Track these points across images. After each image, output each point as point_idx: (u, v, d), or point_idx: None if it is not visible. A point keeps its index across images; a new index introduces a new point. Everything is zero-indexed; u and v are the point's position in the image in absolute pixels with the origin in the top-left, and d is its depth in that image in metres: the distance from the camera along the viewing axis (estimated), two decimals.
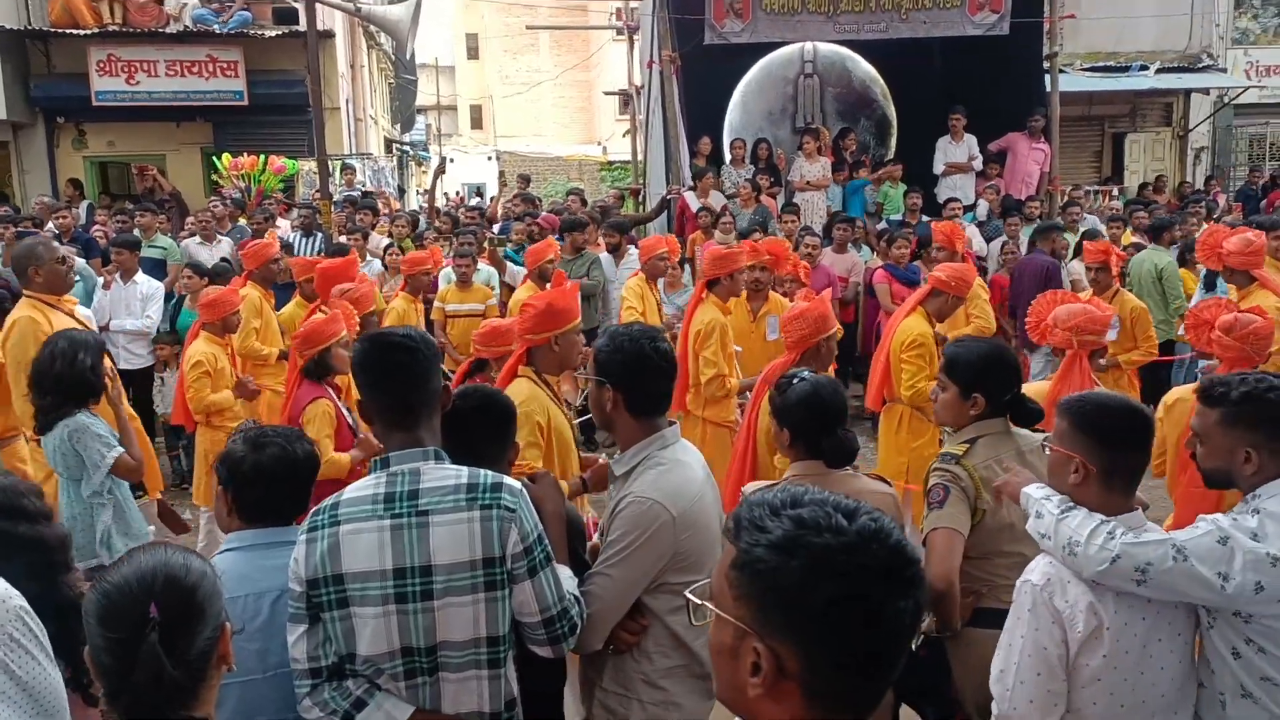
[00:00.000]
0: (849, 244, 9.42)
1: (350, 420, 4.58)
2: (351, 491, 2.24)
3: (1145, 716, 2.27)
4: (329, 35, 14.72)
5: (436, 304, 7.95)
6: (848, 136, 12.18)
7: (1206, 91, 15.72)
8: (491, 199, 16.81)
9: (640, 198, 13.31)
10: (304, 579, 2.15)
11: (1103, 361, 5.94)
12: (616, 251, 8.91)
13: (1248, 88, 15.51)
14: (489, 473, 2.26)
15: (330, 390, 4.58)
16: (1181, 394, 3.94)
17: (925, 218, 10.36)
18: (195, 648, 1.55)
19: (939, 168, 11.54)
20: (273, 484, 2.40)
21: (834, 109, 13.05)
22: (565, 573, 2.39)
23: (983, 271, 8.21)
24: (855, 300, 9.18)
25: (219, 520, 2.53)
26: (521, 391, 3.67)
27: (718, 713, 2.51)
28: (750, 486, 3.01)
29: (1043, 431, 2.96)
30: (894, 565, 1.16)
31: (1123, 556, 2.16)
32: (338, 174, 12.87)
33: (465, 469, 2.25)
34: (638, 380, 2.49)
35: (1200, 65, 15.53)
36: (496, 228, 10.83)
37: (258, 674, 2.28)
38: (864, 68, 12.92)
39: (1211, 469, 2.43)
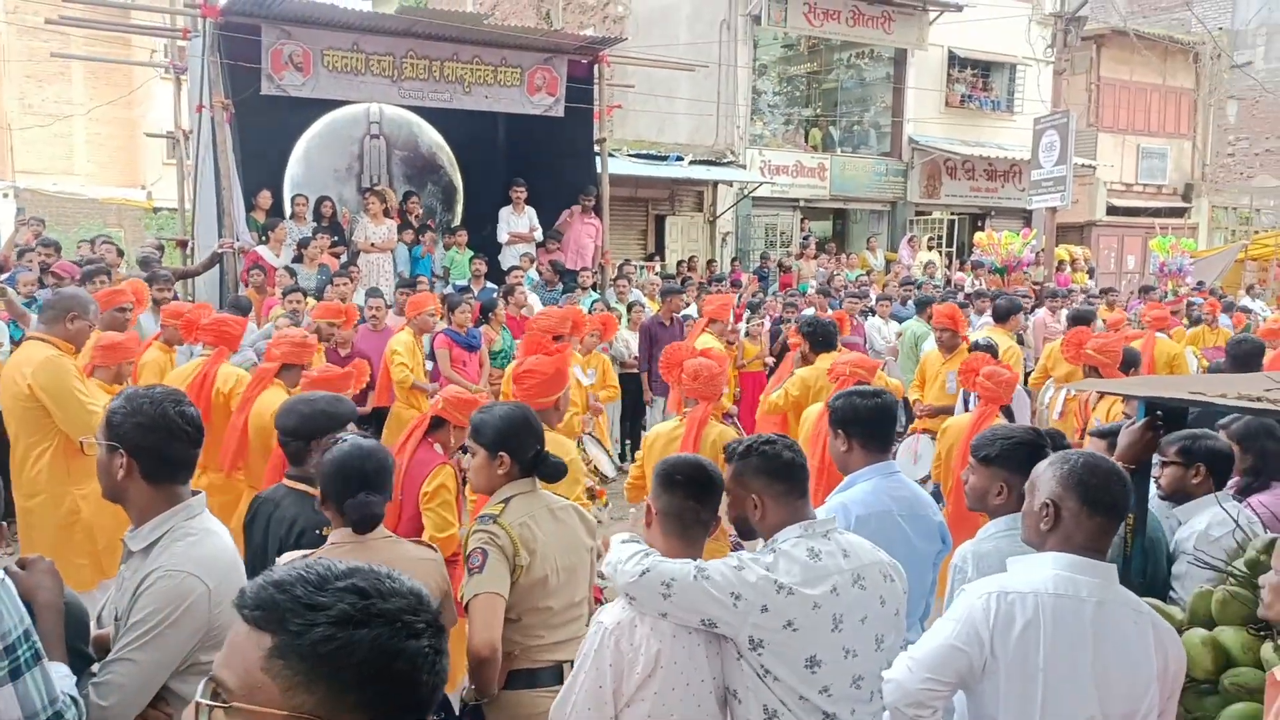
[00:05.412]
0: None
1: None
2: None
3: None
4: None
5: None
6: (412, 199, 12.27)
7: (730, 184, 17.93)
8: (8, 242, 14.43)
9: (189, 250, 12.28)
10: None
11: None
12: (158, 306, 8.09)
13: (761, 184, 17.94)
14: None
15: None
16: (953, 421, 5.44)
17: (489, 284, 10.70)
18: None
19: (503, 236, 12.03)
20: None
21: (401, 171, 13.09)
22: (60, 670, 2.07)
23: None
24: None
25: None
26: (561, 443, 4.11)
27: None
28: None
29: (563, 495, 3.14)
30: (435, 618, 1.21)
31: (651, 570, 2.36)
32: None
33: None
34: (156, 446, 2.27)
35: (725, 160, 17.71)
36: (4, 276, 9.36)
37: None
38: (431, 134, 13.11)
39: (734, 518, 2.64)
